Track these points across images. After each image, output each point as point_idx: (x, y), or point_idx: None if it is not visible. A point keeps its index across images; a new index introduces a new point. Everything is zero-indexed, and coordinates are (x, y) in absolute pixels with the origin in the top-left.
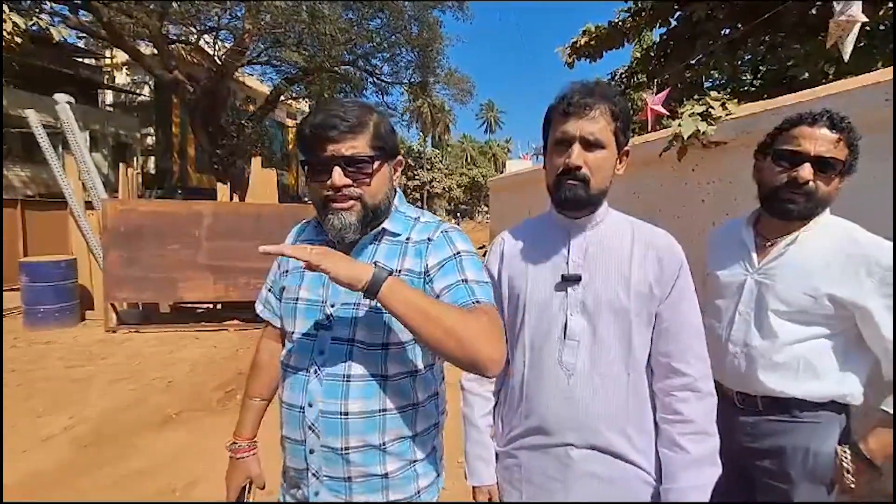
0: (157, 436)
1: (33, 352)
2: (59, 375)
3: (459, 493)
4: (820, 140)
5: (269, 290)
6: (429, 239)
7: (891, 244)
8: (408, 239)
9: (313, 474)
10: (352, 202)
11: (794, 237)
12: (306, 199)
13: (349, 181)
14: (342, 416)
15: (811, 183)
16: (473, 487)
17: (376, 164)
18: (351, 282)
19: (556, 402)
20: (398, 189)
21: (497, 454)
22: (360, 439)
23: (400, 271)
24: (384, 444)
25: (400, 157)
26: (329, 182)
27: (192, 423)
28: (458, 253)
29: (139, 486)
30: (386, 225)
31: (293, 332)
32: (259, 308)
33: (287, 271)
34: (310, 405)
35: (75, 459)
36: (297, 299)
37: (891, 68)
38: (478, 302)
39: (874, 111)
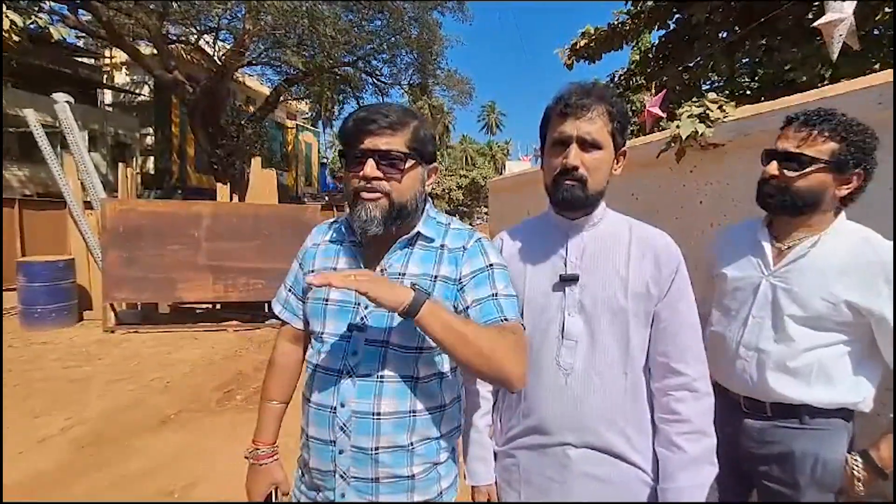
0: (156, 437)
1: (30, 352)
2: (56, 376)
3: (458, 493)
4: (789, 137)
5: (290, 291)
6: (464, 247)
7: None
8: (443, 245)
9: (340, 475)
10: (379, 195)
11: (814, 240)
12: (305, 199)
13: (380, 174)
14: (374, 417)
15: (779, 179)
16: (472, 487)
17: (409, 162)
18: (394, 305)
19: (554, 401)
20: (429, 198)
21: (496, 454)
22: (390, 440)
23: (436, 277)
24: (412, 444)
25: (435, 165)
26: (362, 173)
27: (191, 423)
28: (492, 265)
29: (138, 487)
30: (420, 229)
31: (322, 333)
32: (277, 309)
33: (312, 272)
34: (342, 405)
35: (73, 460)
36: (326, 300)
37: (885, 72)
38: (505, 319)
39: (867, 114)
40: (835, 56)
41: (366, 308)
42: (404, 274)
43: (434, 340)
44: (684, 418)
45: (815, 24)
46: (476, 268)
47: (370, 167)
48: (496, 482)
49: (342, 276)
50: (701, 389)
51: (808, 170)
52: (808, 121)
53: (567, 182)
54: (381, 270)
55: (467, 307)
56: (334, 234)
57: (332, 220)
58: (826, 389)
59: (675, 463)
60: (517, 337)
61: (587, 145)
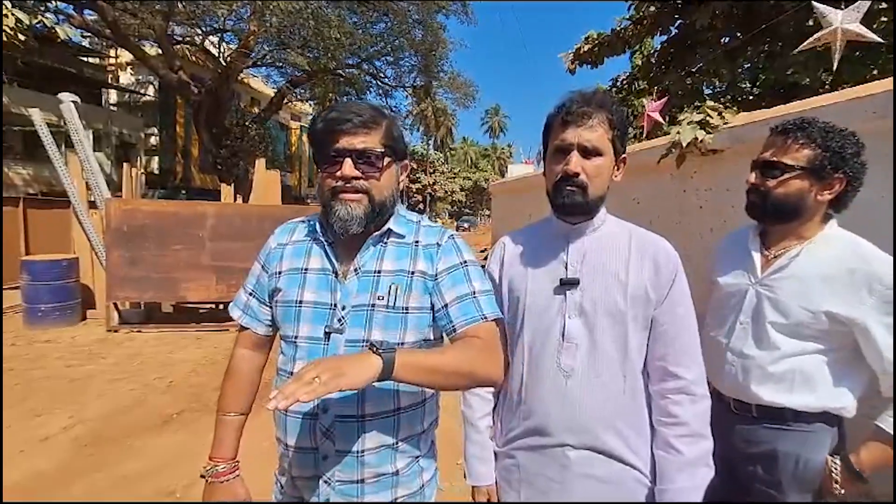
0: (158, 436)
1: (33, 351)
2: (58, 375)
3: (459, 493)
4: (768, 146)
5: (251, 295)
6: (438, 244)
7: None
8: (416, 242)
9: (324, 481)
10: (360, 195)
11: (798, 250)
12: (309, 200)
13: (358, 173)
14: (359, 420)
15: (758, 187)
16: (472, 487)
17: (386, 160)
18: (369, 381)
19: (554, 403)
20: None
21: (496, 454)
22: (376, 440)
23: (413, 273)
24: (397, 442)
25: (407, 161)
26: (339, 173)
27: (193, 423)
28: (465, 262)
29: (139, 487)
30: (392, 226)
31: (296, 337)
32: (237, 314)
33: (279, 273)
34: (324, 411)
35: (74, 460)
36: (300, 302)
37: (883, 80)
38: (485, 316)
39: (864, 125)
40: (835, 65)
41: (343, 308)
42: (380, 271)
43: (412, 384)
44: (681, 421)
45: (808, 42)
46: (451, 264)
47: (348, 167)
48: (496, 482)
49: (306, 386)
50: (698, 393)
51: (784, 177)
52: (785, 130)
53: (568, 188)
54: (356, 269)
55: (446, 305)
56: (302, 234)
57: (296, 219)
58: (807, 395)
59: (672, 465)
60: (486, 338)
61: (588, 152)
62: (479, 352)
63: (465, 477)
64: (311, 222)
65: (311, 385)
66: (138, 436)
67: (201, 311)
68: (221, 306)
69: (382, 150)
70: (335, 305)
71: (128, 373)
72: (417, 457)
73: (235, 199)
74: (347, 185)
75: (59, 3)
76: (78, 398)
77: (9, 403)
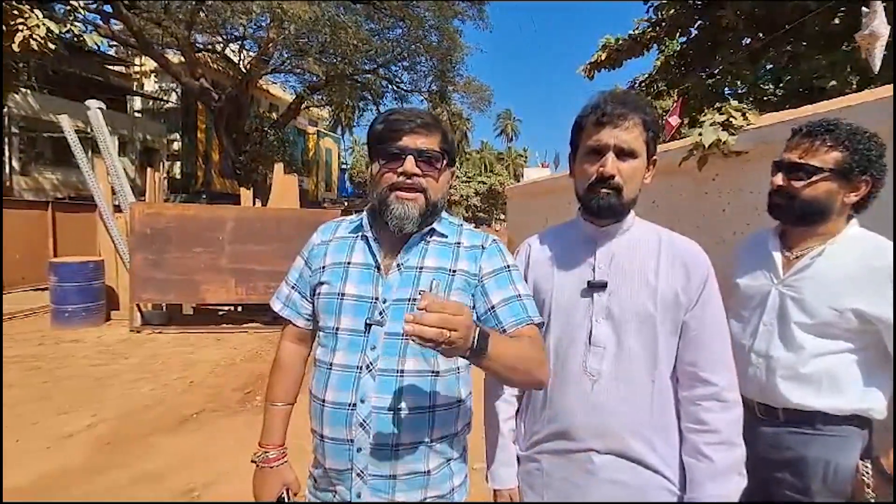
0: (178, 435)
1: (60, 350)
2: (83, 374)
3: (471, 496)
4: (793, 148)
5: (293, 288)
6: (482, 246)
7: None
8: (458, 243)
9: (357, 474)
10: (417, 194)
11: (820, 249)
12: (326, 204)
13: (419, 171)
14: (395, 412)
15: (785, 189)
16: (494, 491)
17: (444, 162)
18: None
19: (580, 408)
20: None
21: (518, 458)
22: (411, 436)
23: (455, 271)
24: (431, 441)
25: (455, 169)
26: (401, 168)
27: (212, 423)
28: (508, 266)
29: (159, 486)
30: (435, 226)
31: (337, 329)
32: (278, 306)
33: (323, 268)
34: (361, 402)
35: (96, 457)
36: (342, 295)
37: None
38: (531, 318)
39: (881, 123)
40: (876, 67)
41: (384, 302)
42: (422, 268)
43: (488, 372)
44: (712, 428)
45: (860, 32)
46: (496, 267)
47: (410, 163)
48: (518, 486)
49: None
50: (729, 399)
51: (813, 179)
52: (811, 131)
53: (603, 190)
54: (398, 265)
55: (493, 307)
56: (346, 231)
57: (338, 219)
58: (836, 396)
59: (702, 472)
60: (538, 341)
61: (624, 154)
62: (535, 353)
63: (486, 480)
64: (356, 220)
65: (439, 338)
66: (159, 435)
67: (220, 312)
68: (240, 308)
69: (440, 151)
70: (377, 299)
71: (149, 373)
72: (449, 459)
73: (254, 203)
74: (408, 181)
75: (87, 13)
76: (101, 397)
77: (36, 400)
